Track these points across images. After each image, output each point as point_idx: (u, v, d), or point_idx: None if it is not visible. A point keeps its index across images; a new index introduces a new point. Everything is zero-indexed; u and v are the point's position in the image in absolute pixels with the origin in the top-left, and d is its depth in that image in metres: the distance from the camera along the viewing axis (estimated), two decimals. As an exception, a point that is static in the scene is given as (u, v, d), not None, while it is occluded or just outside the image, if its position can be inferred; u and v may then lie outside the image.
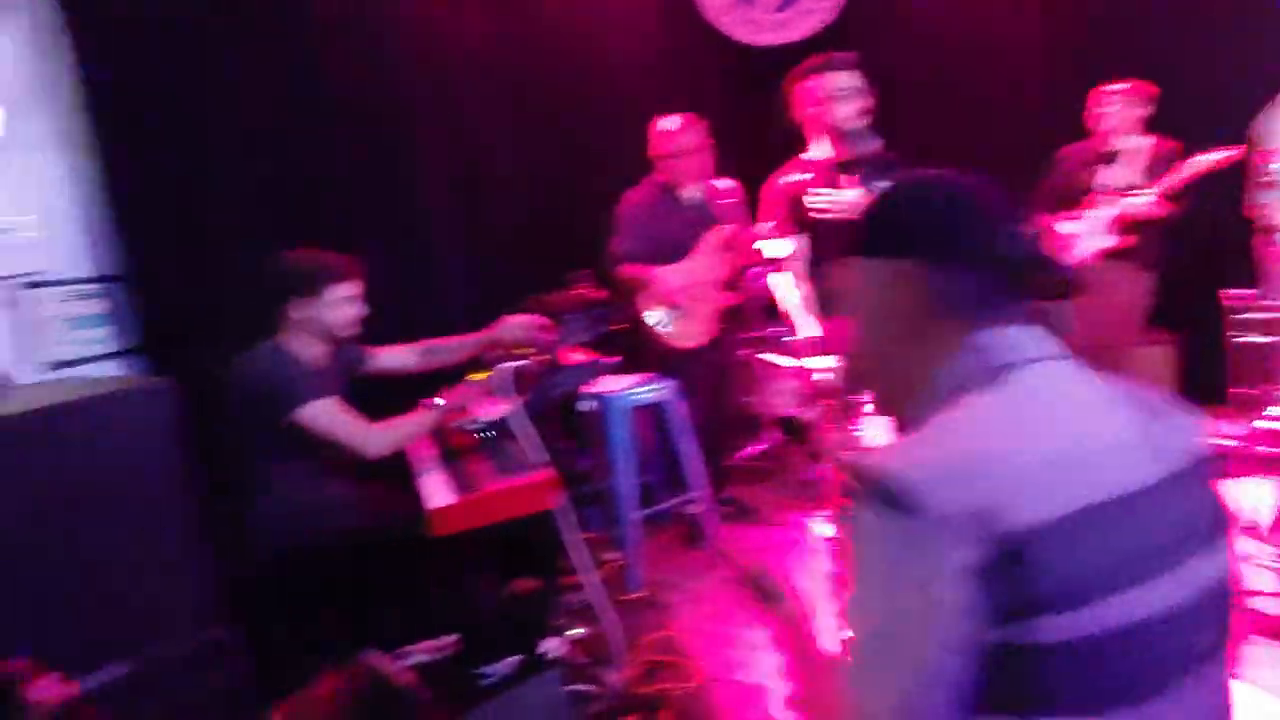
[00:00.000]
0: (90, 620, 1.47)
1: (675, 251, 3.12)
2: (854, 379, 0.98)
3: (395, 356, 2.52)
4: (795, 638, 1.02)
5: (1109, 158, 3.23)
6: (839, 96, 2.53)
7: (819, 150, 2.63)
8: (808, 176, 2.62)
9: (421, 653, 2.63)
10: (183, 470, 1.53)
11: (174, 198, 2.46)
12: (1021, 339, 0.83)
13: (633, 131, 3.73)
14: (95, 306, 2.49)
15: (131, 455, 1.49)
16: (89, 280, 2.47)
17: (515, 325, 2.50)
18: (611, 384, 2.92)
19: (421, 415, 2.25)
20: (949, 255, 0.86)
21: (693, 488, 3.10)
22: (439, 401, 2.32)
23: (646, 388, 2.98)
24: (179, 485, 1.53)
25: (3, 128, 2.27)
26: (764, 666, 2.35)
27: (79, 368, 2.43)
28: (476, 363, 2.72)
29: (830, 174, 2.61)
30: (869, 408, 2.47)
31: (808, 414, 3.70)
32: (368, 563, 2.23)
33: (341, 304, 2.18)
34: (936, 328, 0.86)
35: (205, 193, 2.51)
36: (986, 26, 3.79)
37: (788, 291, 2.64)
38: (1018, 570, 0.70)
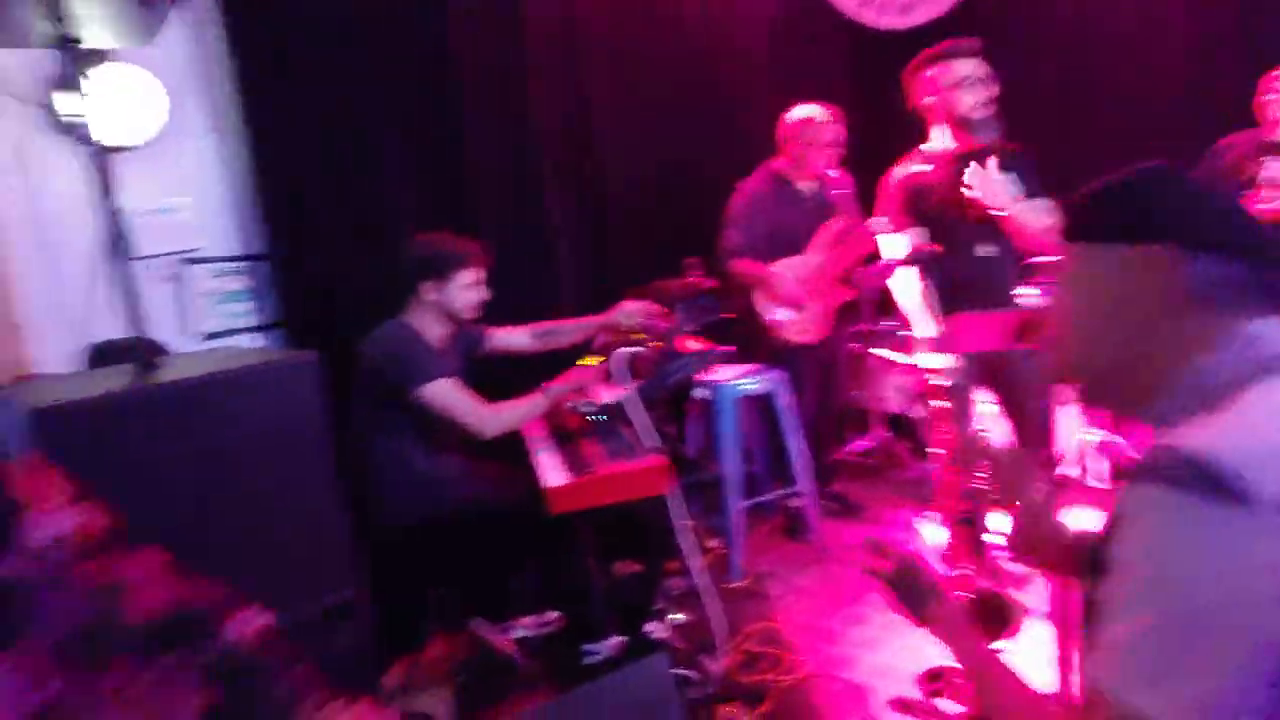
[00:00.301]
0: (236, 575, 1.57)
1: (791, 244, 3.06)
2: (1067, 371, 0.90)
3: (513, 337, 2.59)
4: (961, 638, 0.96)
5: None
6: (964, 84, 2.42)
7: (940, 141, 2.53)
8: (927, 169, 2.53)
9: (525, 627, 2.72)
10: (324, 440, 1.62)
11: (316, 183, 2.60)
12: None
13: (749, 117, 3.69)
14: (240, 283, 2.68)
15: (278, 423, 1.58)
16: (236, 258, 2.65)
17: (632, 310, 2.52)
18: (721, 373, 2.91)
19: (536, 397, 2.31)
20: (1207, 241, 0.79)
21: (797, 481, 3.06)
22: (549, 387, 2.38)
23: (755, 378, 2.95)
24: (321, 454, 1.62)
25: (167, 115, 2.45)
26: (868, 665, 2.31)
27: (224, 339, 2.61)
28: (590, 347, 2.77)
29: (951, 166, 2.51)
30: (985, 405, 2.38)
31: (918, 412, 3.60)
32: (479, 537, 2.30)
33: (468, 289, 2.27)
34: (1189, 318, 0.78)
35: (343, 178, 2.64)
36: (1124, 11, 3.52)
37: (905, 286, 2.56)
38: None
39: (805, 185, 3.11)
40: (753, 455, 3.33)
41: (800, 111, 3.02)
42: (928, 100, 2.50)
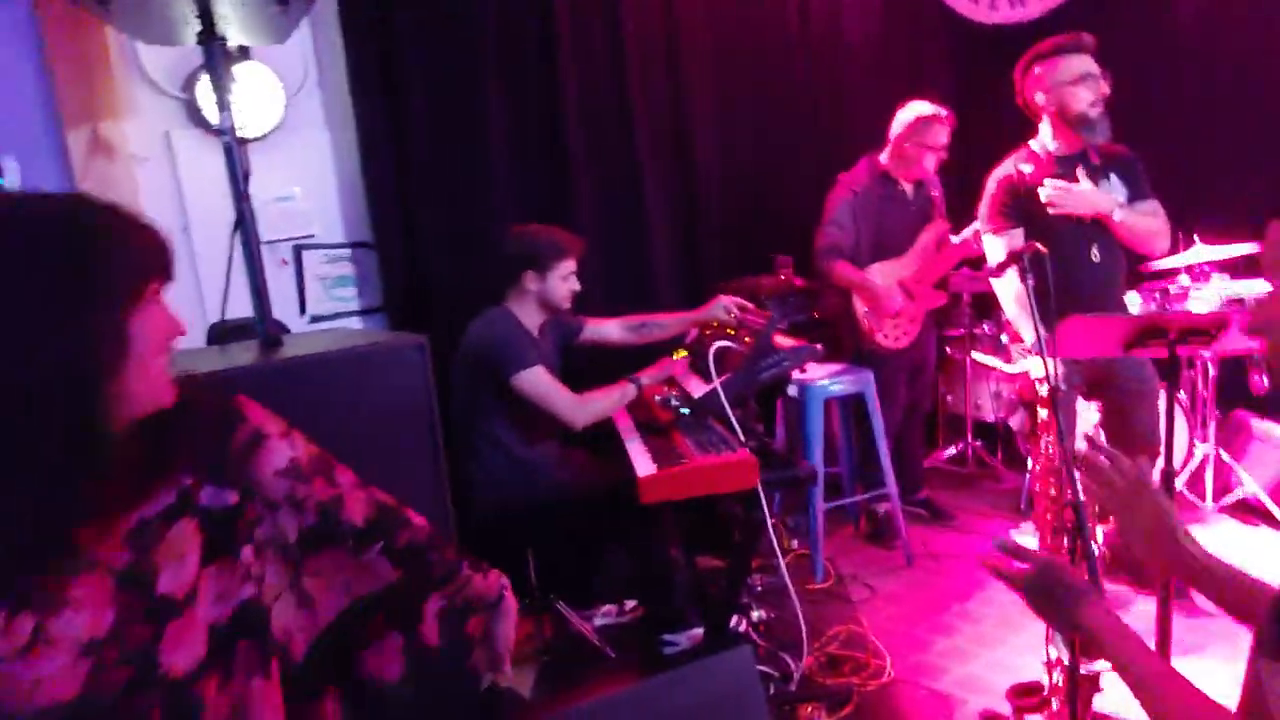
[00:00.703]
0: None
1: (893, 246, 2.99)
2: None
3: (608, 328, 2.63)
4: (1122, 641, 0.90)
5: None
6: (1077, 82, 2.33)
7: (1048, 139, 2.44)
8: (1029, 169, 2.44)
9: (607, 615, 2.76)
10: (430, 419, 1.68)
11: (421, 177, 2.70)
12: None
13: (847, 115, 3.65)
14: (347, 269, 2.81)
15: (388, 400, 1.65)
16: (345, 245, 2.79)
17: (728, 305, 2.53)
18: (811, 372, 2.88)
19: (626, 386, 2.35)
20: None
21: (885, 484, 3.00)
22: (639, 377, 2.41)
23: (844, 379, 2.91)
24: (427, 432, 1.68)
25: (284, 110, 2.60)
26: (956, 676, 2.25)
27: (329, 322, 2.75)
28: (681, 341, 2.79)
29: (1059, 165, 2.42)
30: (1092, 414, 2.28)
31: (1016, 420, 3.47)
32: (568, 522, 2.36)
33: (567, 279, 2.33)
34: None
35: (447, 172, 2.74)
36: (1244, 9, 3.30)
37: (1007, 289, 2.48)
38: None
39: (909, 184, 3.04)
40: (838, 456, 3.29)
41: (917, 108, 2.92)
42: (1039, 97, 2.42)
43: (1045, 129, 2.44)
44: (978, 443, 3.70)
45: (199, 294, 2.48)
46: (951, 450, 3.75)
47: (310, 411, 1.59)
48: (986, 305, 3.50)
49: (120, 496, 0.85)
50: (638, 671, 2.03)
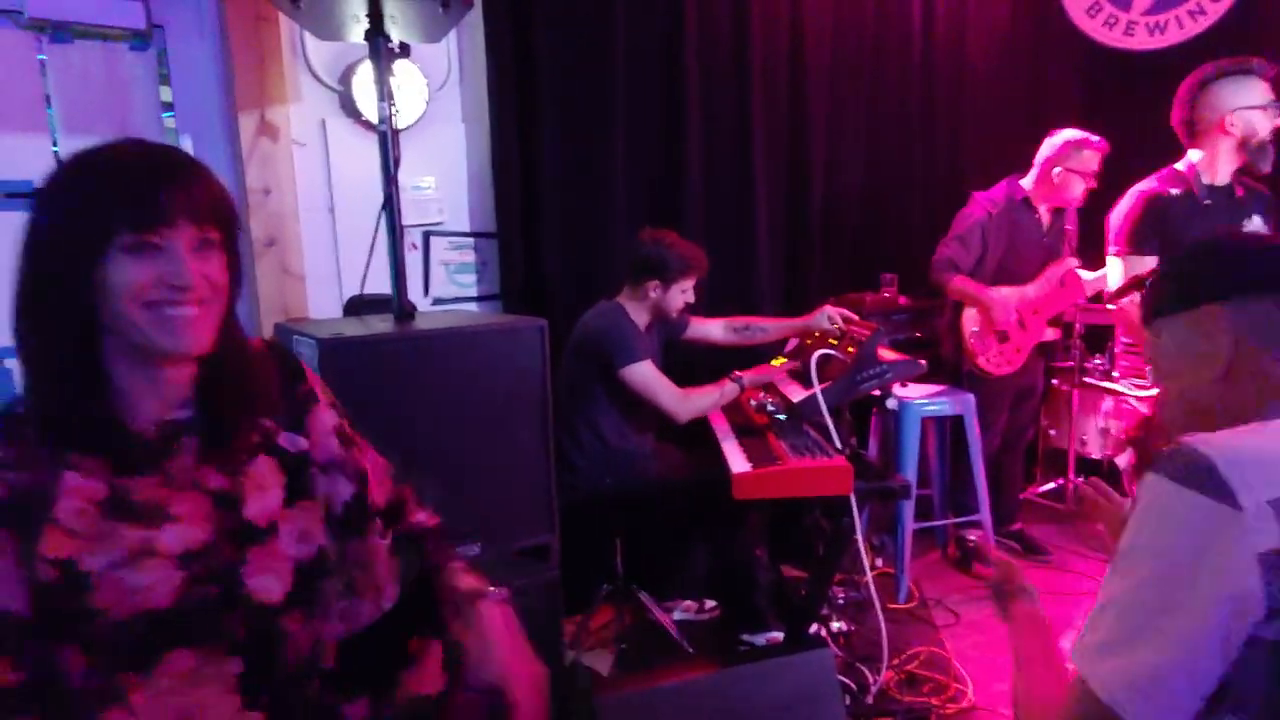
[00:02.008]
0: (458, 506, 1.78)
1: (1018, 273, 2.91)
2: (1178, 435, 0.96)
3: (712, 328, 2.70)
4: (1027, 634, 1.03)
5: None
6: (1265, 108, 2.24)
7: (1204, 164, 2.35)
8: (1174, 191, 2.36)
9: (686, 610, 2.83)
10: (543, 398, 1.79)
11: (546, 172, 2.84)
12: None
13: (966, 135, 3.61)
14: (470, 256, 2.98)
15: (506, 377, 1.78)
16: (469, 234, 2.96)
17: (833, 314, 2.56)
18: (910, 390, 2.87)
19: (727, 384, 2.41)
20: (1239, 287, 0.87)
21: (978, 511, 2.95)
22: (742, 377, 2.47)
23: (944, 399, 2.88)
24: (540, 413, 1.80)
25: (425, 104, 2.79)
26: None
27: (449, 305, 2.92)
28: (781, 348, 2.83)
29: (1209, 194, 2.33)
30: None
31: (1124, 459, 3.34)
32: (659, 512, 2.43)
33: (685, 293, 2.43)
34: (1252, 363, 0.86)
35: (571, 170, 2.87)
36: None
37: (1130, 319, 2.41)
38: None
39: (1047, 214, 2.94)
40: (930, 479, 3.25)
41: (1071, 133, 2.81)
42: (1216, 115, 2.30)
43: (1200, 154, 2.34)
44: (1080, 479, 3.57)
45: (338, 270, 2.69)
46: (1050, 485, 3.64)
47: (437, 379, 1.74)
48: (1101, 338, 3.39)
49: (221, 429, 0.94)
50: (717, 664, 2.08)
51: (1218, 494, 0.71)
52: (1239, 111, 2.26)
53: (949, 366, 3.06)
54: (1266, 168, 2.28)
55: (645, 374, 2.30)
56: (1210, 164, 2.33)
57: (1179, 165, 2.41)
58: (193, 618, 0.87)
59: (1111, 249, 2.46)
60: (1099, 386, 3.27)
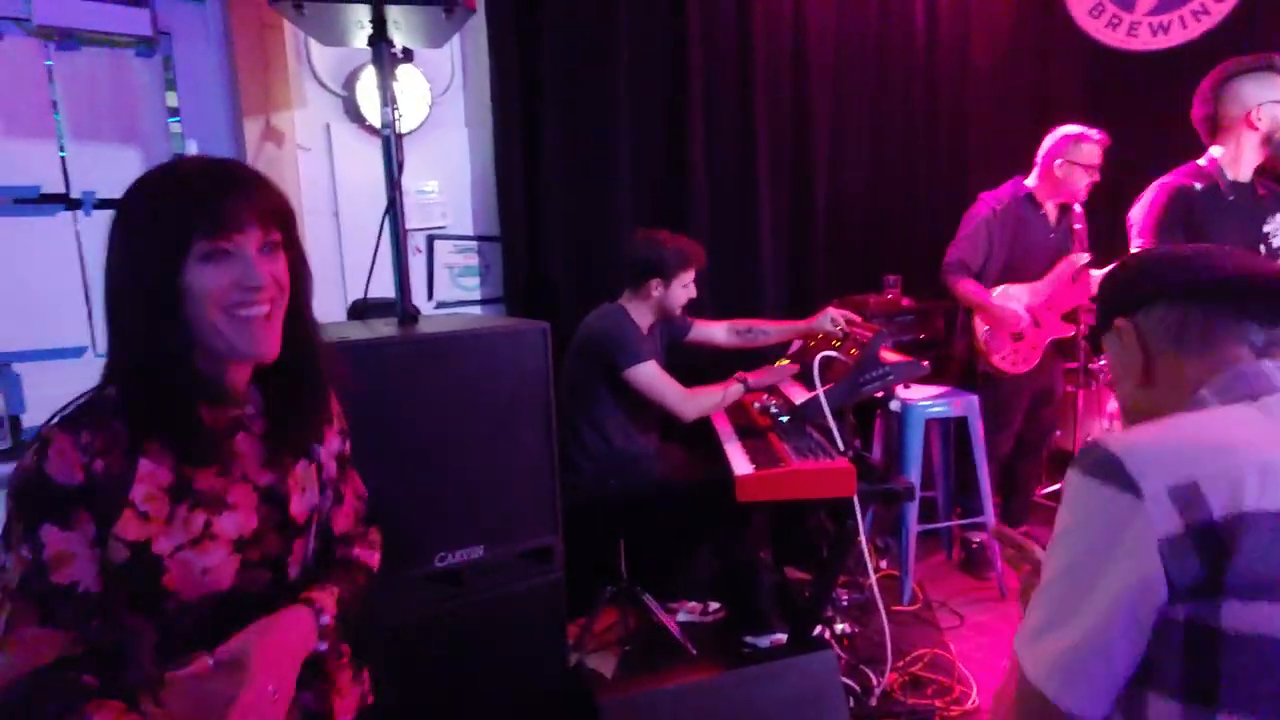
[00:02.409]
0: (461, 509, 1.78)
1: (1026, 270, 2.91)
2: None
3: (716, 330, 2.71)
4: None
5: None
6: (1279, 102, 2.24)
7: (1227, 160, 2.35)
8: (1196, 185, 2.35)
9: (690, 612, 2.83)
10: (546, 400, 1.80)
11: (549, 177, 2.85)
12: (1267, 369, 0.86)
13: (971, 136, 3.61)
14: (473, 260, 2.99)
15: (509, 379, 1.78)
16: (472, 238, 2.97)
17: (836, 316, 2.56)
18: (913, 392, 2.87)
19: (732, 385, 2.42)
20: (1146, 299, 0.93)
21: (983, 513, 2.94)
22: (747, 378, 2.47)
23: (948, 401, 2.88)
24: (541, 412, 1.80)
25: (429, 109, 2.80)
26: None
27: (452, 309, 2.93)
28: (784, 350, 2.83)
29: (1233, 190, 2.32)
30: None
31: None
32: (662, 513, 2.44)
33: (687, 287, 2.44)
34: (1169, 366, 0.92)
35: (574, 175, 2.89)
36: None
37: None
38: (1212, 548, 0.72)
39: (1053, 210, 2.94)
40: (935, 481, 3.25)
41: (1070, 129, 2.83)
42: (1232, 111, 2.30)
43: (1224, 150, 2.34)
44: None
45: (342, 273, 2.70)
46: (1056, 486, 3.63)
47: (440, 382, 1.74)
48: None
49: (282, 430, 1.02)
50: (721, 665, 2.08)
51: (1122, 484, 0.76)
52: (1265, 105, 2.26)
53: (962, 367, 3.06)
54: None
55: (650, 374, 2.31)
56: (1234, 159, 2.33)
57: (1201, 161, 2.40)
58: (249, 599, 0.96)
59: (1136, 242, 2.44)
60: (1104, 387, 3.26)
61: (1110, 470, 0.77)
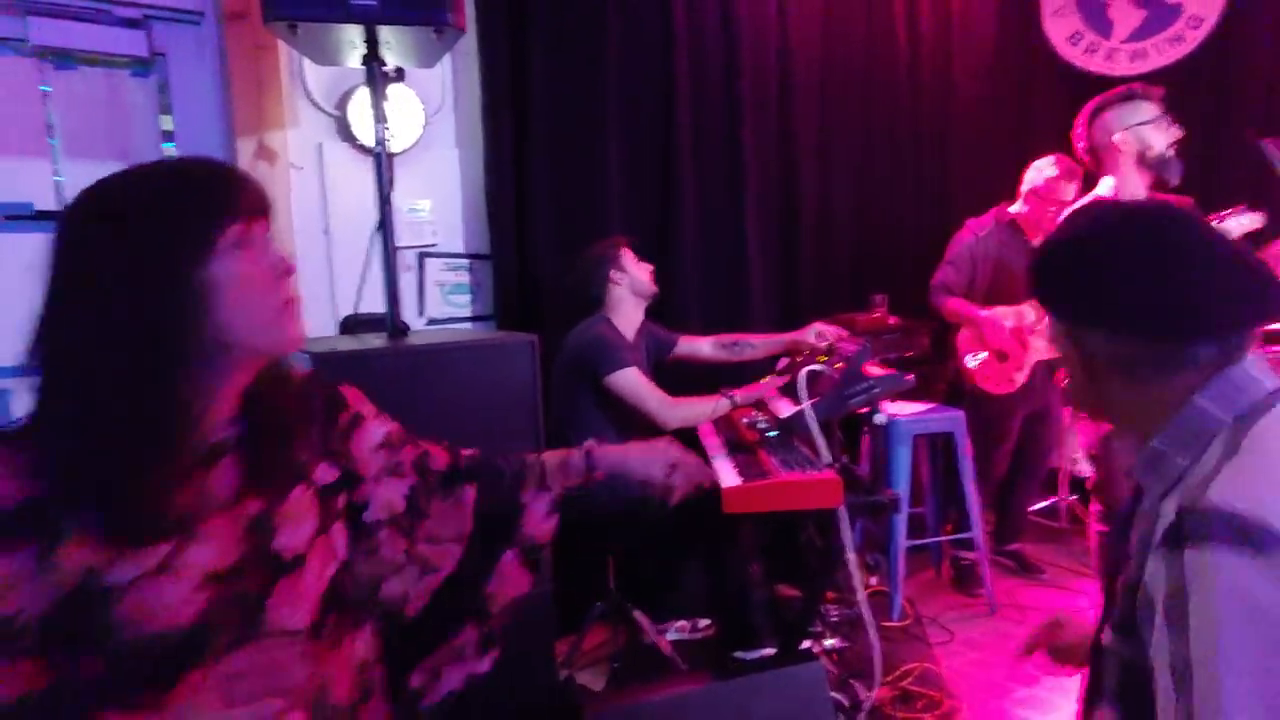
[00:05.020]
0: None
1: (1011, 293, 2.97)
2: (1080, 407, 1.01)
3: (701, 346, 2.73)
4: None
5: None
6: (1154, 122, 2.29)
7: (1112, 189, 2.41)
8: None
9: (680, 630, 2.82)
10: (534, 411, 1.82)
11: (538, 196, 2.89)
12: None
13: (953, 159, 3.67)
14: (464, 277, 3.02)
15: (498, 391, 1.80)
16: (463, 255, 3.00)
17: (822, 330, 2.60)
18: (899, 408, 2.90)
19: (718, 399, 2.43)
20: (1094, 320, 0.88)
21: (973, 529, 2.95)
22: (734, 394, 2.49)
23: (934, 416, 2.91)
24: (530, 423, 1.82)
25: (421, 129, 2.84)
26: (1034, 727, 2.20)
27: (444, 325, 2.95)
28: (773, 363, 2.86)
29: None
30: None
31: (1082, 471, 3.36)
32: (648, 529, 2.44)
33: (638, 263, 2.54)
34: (1133, 380, 0.87)
35: (563, 194, 2.92)
36: None
37: None
38: None
39: (1039, 238, 3.00)
40: (924, 497, 3.26)
41: (1045, 166, 2.93)
42: (1115, 137, 2.34)
43: (1110, 179, 2.41)
44: (1073, 498, 3.58)
45: (332, 290, 2.72)
46: (1044, 503, 3.65)
47: (429, 393, 1.76)
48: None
49: (262, 454, 0.92)
50: (709, 677, 2.08)
51: (1268, 547, 0.68)
52: (1130, 129, 2.31)
53: (949, 385, 3.10)
54: (1174, 179, 2.32)
55: (630, 379, 2.33)
56: (1121, 187, 2.39)
57: (1100, 190, 2.44)
58: (209, 641, 0.84)
59: None
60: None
61: (1266, 537, 0.68)
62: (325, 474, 1.01)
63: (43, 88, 2.34)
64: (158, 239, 0.81)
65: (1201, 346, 0.82)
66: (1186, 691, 0.70)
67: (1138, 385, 0.86)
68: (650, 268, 2.58)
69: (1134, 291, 0.84)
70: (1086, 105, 2.43)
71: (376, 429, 1.10)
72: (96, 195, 0.83)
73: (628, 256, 2.55)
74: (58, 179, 2.38)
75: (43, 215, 2.34)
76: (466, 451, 1.22)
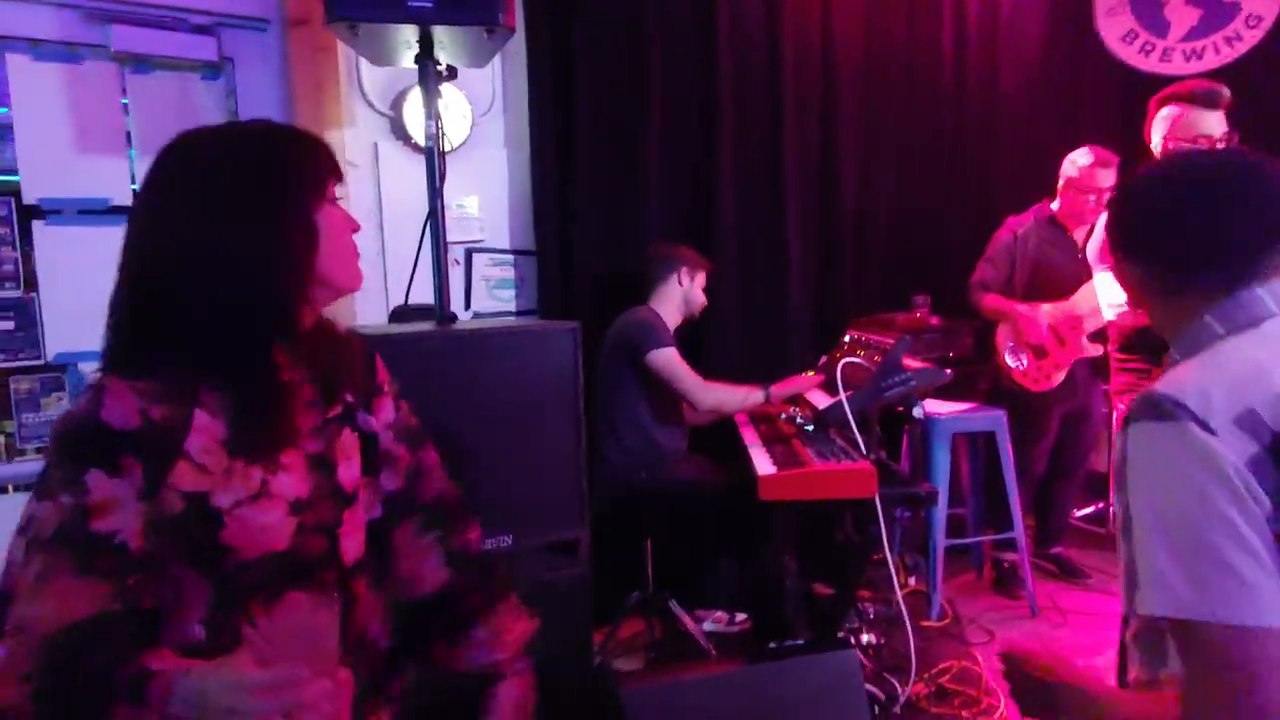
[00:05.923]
0: (493, 498, 1.85)
1: (1052, 289, 2.94)
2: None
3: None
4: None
5: None
6: (1195, 141, 2.26)
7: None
8: None
9: (716, 621, 2.84)
10: (575, 396, 1.87)
11: (583, 195, 2.95)
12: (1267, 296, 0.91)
13: (999, 159, 3.64)
14: (509, 273, 3.10)
15: (541, 376, 1.86)
16: (509, 251, 3.08)
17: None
18: (940, 406, 2.89)
19: (754, 391, 2.48)
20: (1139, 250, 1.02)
21: (1011, 532, 2.92)
22: (771, 388, 2.52)
23: (975, 415, 2.89)
24: (571, 407, 1.87)
25: (469, 129, 2.94)
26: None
27: (489, 319, 3.03)
28: (814, 360, 2.88)
29: None
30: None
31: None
32: (686, 517, 2.48)
33: (702, 288, 2.57)
34: (1172, 300, 0.99)
35: (607, 193, 2.98)
36: None
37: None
38: None
39: (1084, 232, 2.96)
40: (964, 498, 3.23)
41: (1078, 156, 2.89)
42: (1155, 143, 2.35)
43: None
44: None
45: (385, 284, 2.82)
46: (1090, 509, 3.58)
47: (474, 378, 1.83)
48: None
49: (315, 399, 1.00)
50: (743, 660, 2.10)
51: (1196, 423, 0.81)
52: (1176, 145, 2.30)
53: (991, 384, 3.08)
54: None
55: (670, 358, 2.41)
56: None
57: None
58: (305, 564, 0.93)
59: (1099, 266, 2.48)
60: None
61: (1180, 411, 0.82)
62: (364, 422, 1.08)
63: (122, 96, 2.49)
64: (289, 180, 0.95)
65: (1208, 273, 0.95)
66: (1129, 537, 0.85)
67: (1170, 306, 1.00)
68: (704, 303, 2.71)
69: (1150, 229, 1.01)
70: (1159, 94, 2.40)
71: (390, 408, 1.13)
72: (221, 138, 0.96)
73: (702, 277, 2.67)
74: (132, 175, 2.53)
75: (116, 210, 2.48)
76: (475, 534, 1.19)
